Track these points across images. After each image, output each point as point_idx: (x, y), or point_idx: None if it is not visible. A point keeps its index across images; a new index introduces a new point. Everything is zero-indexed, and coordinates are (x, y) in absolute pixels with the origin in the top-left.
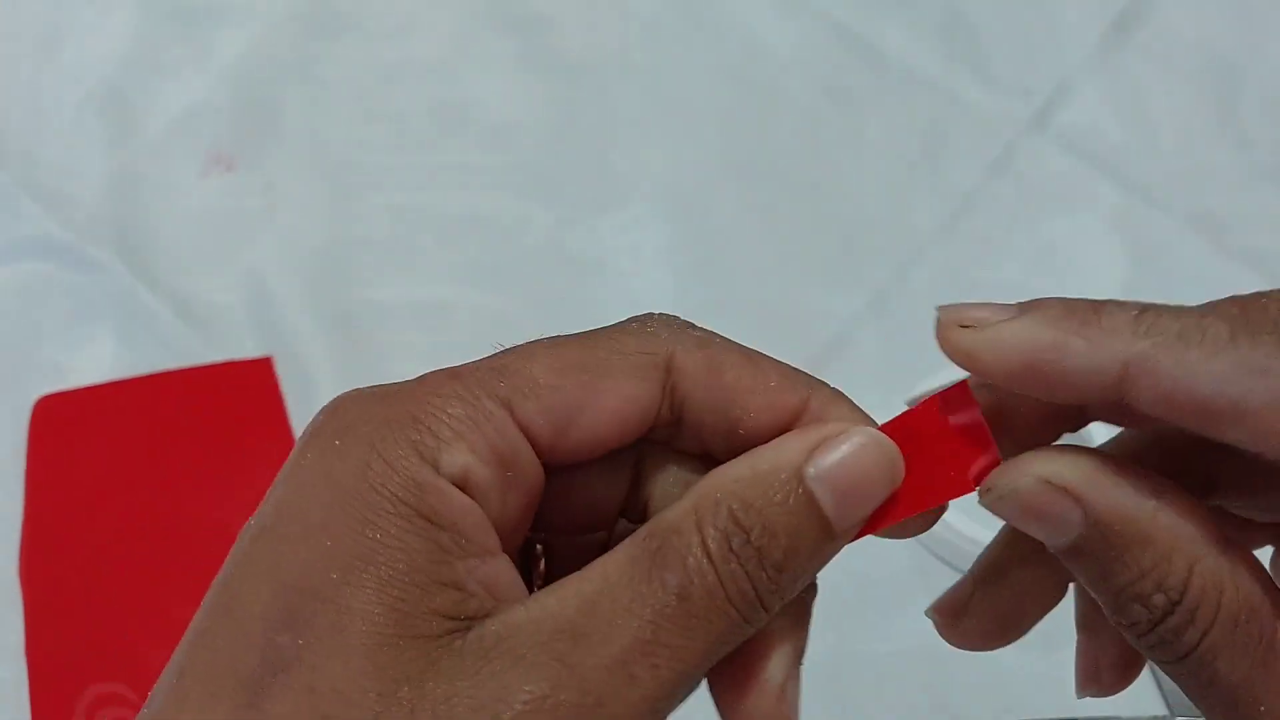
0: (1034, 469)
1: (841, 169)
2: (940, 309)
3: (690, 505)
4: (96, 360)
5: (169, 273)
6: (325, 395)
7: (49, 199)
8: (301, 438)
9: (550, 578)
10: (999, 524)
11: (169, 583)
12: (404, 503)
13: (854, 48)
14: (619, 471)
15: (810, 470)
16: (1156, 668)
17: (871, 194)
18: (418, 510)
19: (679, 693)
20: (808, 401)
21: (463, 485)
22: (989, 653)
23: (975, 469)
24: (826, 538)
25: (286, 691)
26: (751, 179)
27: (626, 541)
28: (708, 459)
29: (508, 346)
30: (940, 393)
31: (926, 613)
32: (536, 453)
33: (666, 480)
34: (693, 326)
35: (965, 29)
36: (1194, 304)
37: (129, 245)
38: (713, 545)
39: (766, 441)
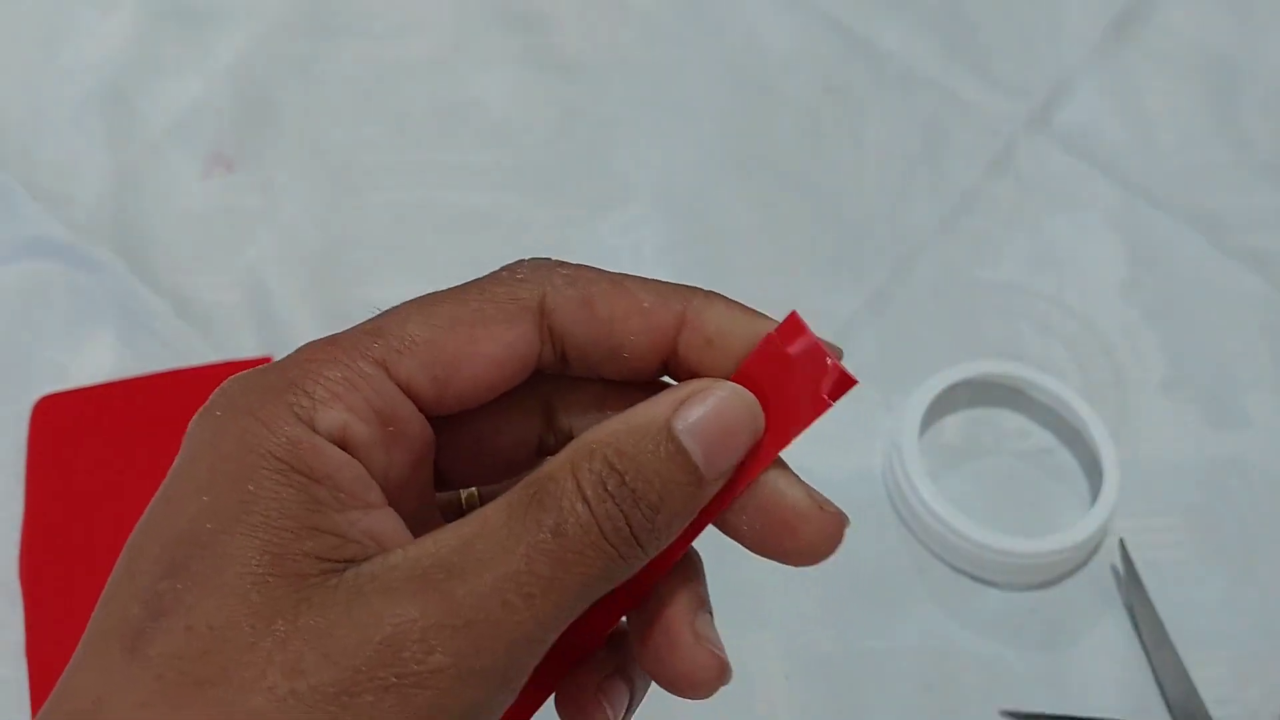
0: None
1: (841, 168)
2: None
3: (566, 456)
4: (97, 360)
5: (169, 272)
6: None
7: (49, 198)
8: (196, 413)
9: None
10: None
11: None
12: (278, 458)
13: (854, 47)
14: (527, 411)
15: (677, 424)
16: (1159, 672)
17: (871, 193)
18: (292, 465)
19: (555, 624)
20: (684, 313)
21: (341, 443)
22: (989, 651)
23: (825, 387)
24: (697, 483)
25: (165, 633)
26: (751, 178)
27: (507, 492)
28: (609, 385)
29: (386, 308)
30: (776, 328)
31: None
32: (421, 408)
33: (579, 409)
34: (562, 265)
35: (965, 28)
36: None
37: (129, 245)
38: (588, 488)
39: (650, 363)
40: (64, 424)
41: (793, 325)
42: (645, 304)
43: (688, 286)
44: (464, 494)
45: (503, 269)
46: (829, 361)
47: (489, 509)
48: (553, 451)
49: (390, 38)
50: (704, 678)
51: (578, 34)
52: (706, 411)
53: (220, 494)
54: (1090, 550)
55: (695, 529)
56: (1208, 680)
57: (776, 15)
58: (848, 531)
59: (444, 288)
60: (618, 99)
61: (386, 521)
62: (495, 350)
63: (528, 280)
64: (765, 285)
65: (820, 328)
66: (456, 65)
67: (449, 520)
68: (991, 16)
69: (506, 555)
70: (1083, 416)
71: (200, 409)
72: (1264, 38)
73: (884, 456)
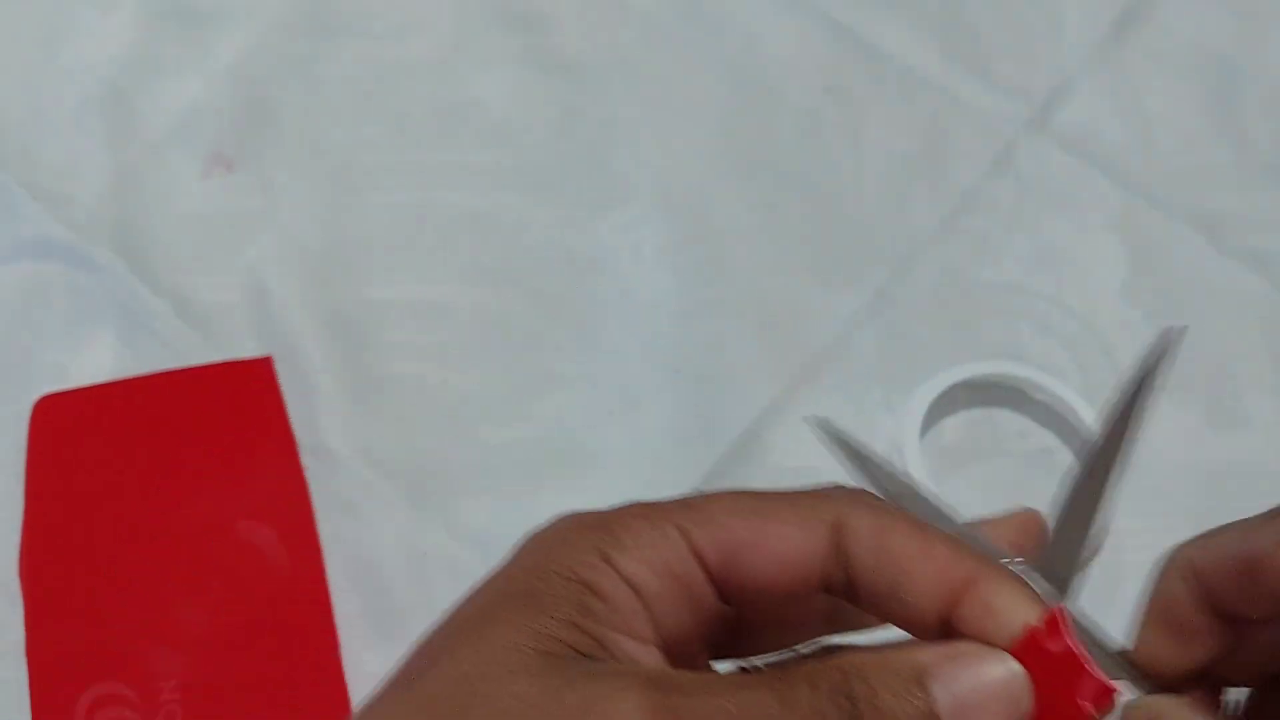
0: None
1: (841, 168)
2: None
3: (813, 665)
4: (96, 360)
5: (169, 272)
6: (325, 394)
7: (49, 199)
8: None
9: None
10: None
11: (170, 582)
12: (571, 574)
13: (854, 47)
14: (807, 618)
15: (935, 678)
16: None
17: (871, 193)
18: (580, 580)
19: None
20: (975, 577)
21: (634, 588)
22: None
23: (1085, 695)
24: None
25: (436, 675)
26: (751, 178)
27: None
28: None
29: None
30: (1040, 619)
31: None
32: (708, 577)
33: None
34: (872, 496)
35: (965, 28)
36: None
37: (129, 245)
38: (822, 688)
39: (929, 615)
40: (64, 424)
41: (1053, 623)
42: (939, 554)
43: (986, 557)
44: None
45: (817, 486)
46: (1089, 671)
47: (735, 675)
48: None
49: (390, 38)
50: None
51: (578, 34)
52: (977, 677)
53: (510, 585)
54: (1091, 551)
55: None
56: None
57: (777, 16)
58: None
59: (446, 291)
60: (618, 99)
61: (650, 654)
62: (781, 548)
63: (832, 498)
64: (765, 285)
65: (821, 329)
66: (456, 65)
67: None
68: (991, 17)
69: (732, 697)
70: (1083, 417)
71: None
72: (1264, 38)
73: (883, 456)
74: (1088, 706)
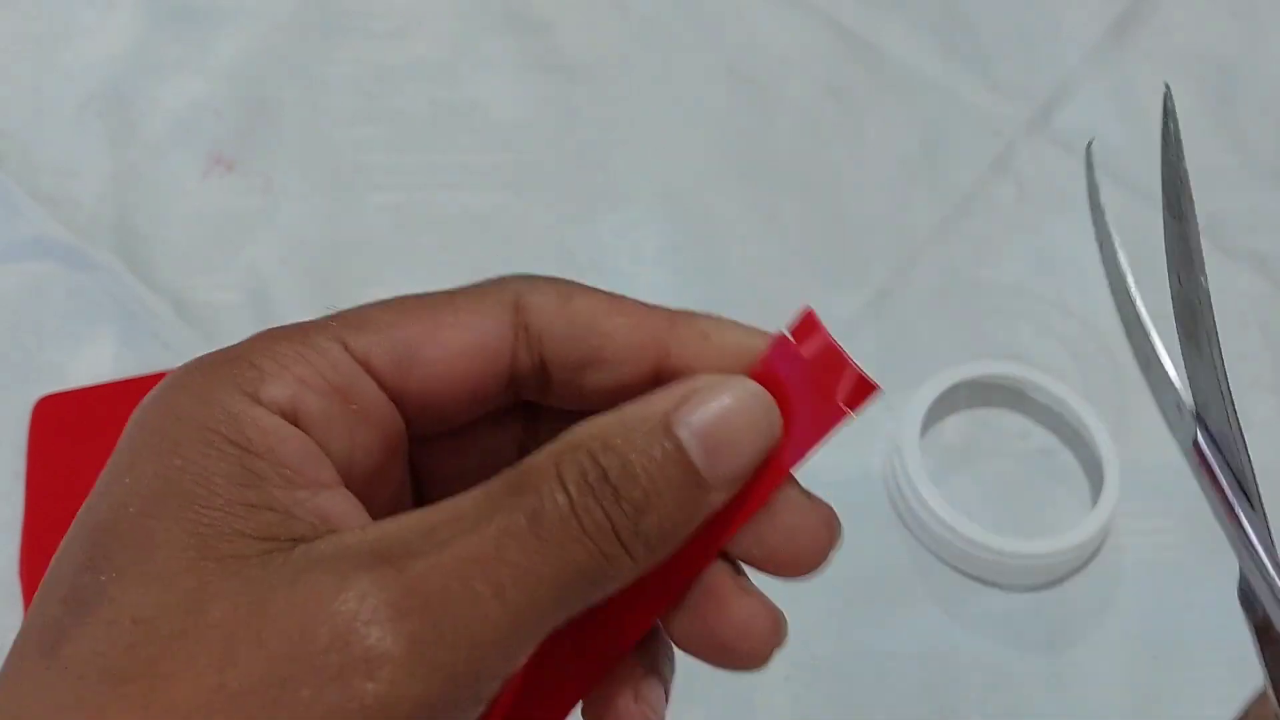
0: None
1: (841, 169)
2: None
3: (549, 448)
4: (97, 360)
5: (169, 272)
6: None
7: (49, 199)
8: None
9: None
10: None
11: None
12: (210, 429)
13: (854, 48)
14: (501, 435)
15: (679, 419)
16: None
17: (871, 194)
18: (227, 437)
19: (529, 626)
20: (674, 317)
21: (291, 417)
22: (990, 652)
23: (842, 394)
24: (697, 486)
25: (85, 631)
26: (751, 179)
27: (483, 483)
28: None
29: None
30: (790, 326)
31: None
32: (382, 388)
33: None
34: (546, 276)
35: (965, 29)
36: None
37: (129, 245)
38: (570, 479)
39: (639, 369)
40: (64, 424)
41: (807, 324)
42: (631, 308)
43: (678, 310)
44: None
45: (486, 280)
46: (848, 365)
47: (461, 496)
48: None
49: (390, 38)
50: (761, 632)
51: (578, 35)
52: (714, 409)
53: (141, 473)
54: (1091, 551)
55: (710, 541)
56: (1207, 680)
57: (776, 17)
58: (847, 533)
59: (440, 289)
60: (618, 99)
61: (340, 502)
62: (462, 336)
63: (506, 281)
64: (765, 286)
65: None
66: (456, 66)
67: None
68: (992, 18)
69: (475, 536)
70: (1083, 417)
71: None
72: (1264, 40)
73: (884, 457)
74: (844, 408)
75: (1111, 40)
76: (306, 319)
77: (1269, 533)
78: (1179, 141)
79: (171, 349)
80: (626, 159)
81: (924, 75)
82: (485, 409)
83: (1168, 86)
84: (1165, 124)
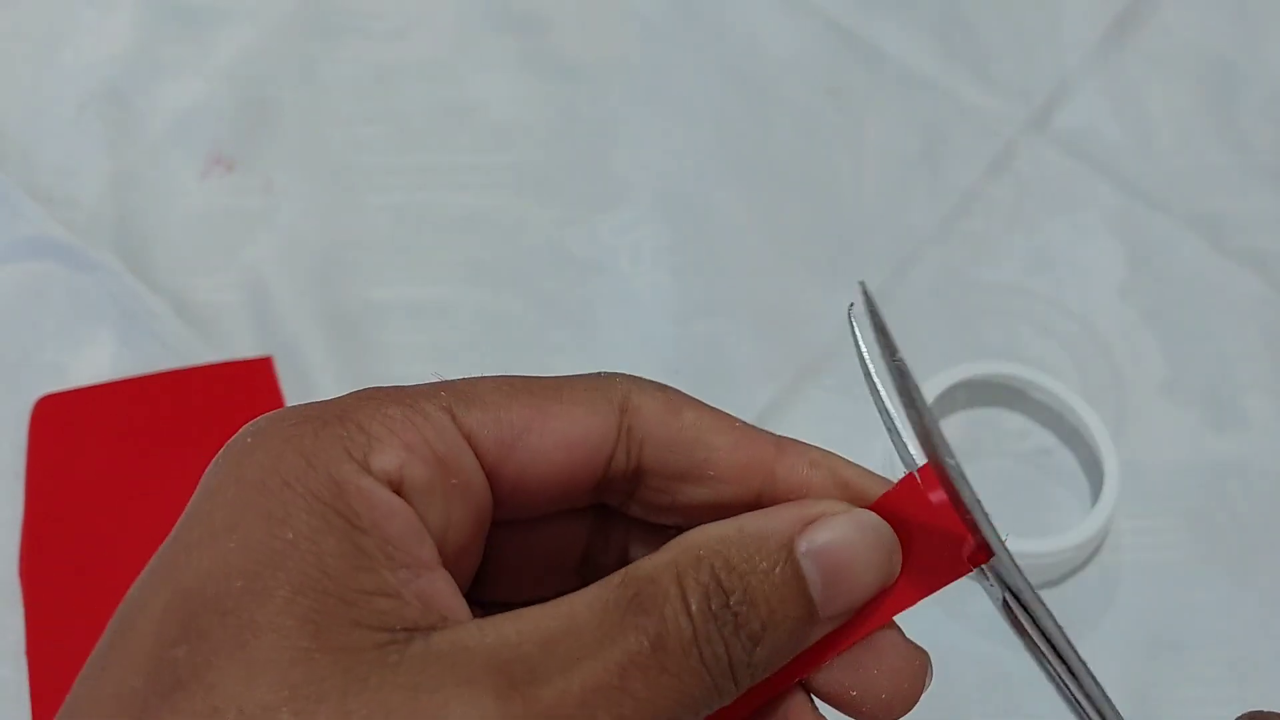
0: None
1: (840, 169)
2: None
3: (670, 558)
4: (96, 360)
5: (169, 273)
6: (325, 394)
7: (49, 199)
8: (224, 446)
9: None
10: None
11: None
12: (320, 500)
13: (853, 48)
14: (574, 525)
15: (802, 544)
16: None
17: (870, 194)
18: (336, 510)
19: None
20: (781, 444)
21: (397, 486)
22: (989, 651)
23: (967, 548)
24: (808, 620)
25: (181, 715)
26: (751, 179)
27: (595, 585)
28: (666, 531)
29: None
30: (919, 470)
31: None
32: (482, 466)
33: (626, 543)
34: (652, 382)
35: (964, 29)
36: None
37: (129, 245)
38: (693, 600)
39: (741, 489)
40: (64, 424)
41: (939, 471)
42: (739, 428)
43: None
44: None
45: (594, 373)
46: (979, 522)
47: (576, 602)
48: (593, 576)
49: (390, 39)
50: (916, 675)
51: (578, 35)
52: (837, 537)
53: (246, 541)
54: (1091, 551)
55: (796, 670)
56: (1208, 680)
57: (776, 17)
58: None
59: (446, 291)
60: (617, 100)
61: (442, 586)
62: (567, 427)
63: (616, 379)
64: (765, 286)
65: (820, 329)
66: (456, 66)
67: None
68: (991, 18)
69: (599, 663)
70: (1082, 417)
71: (231, 439)
72: (1263, 40)
73: (884, 457)
74: (968, 564)
75: (1111, 40)
76: (343, 329)
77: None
78: (886, 333)
79: (171, 349)
80: (626, 159)
81: (923, 75)
82: (571, 503)
83: (862, 285)
84: (872, 315)
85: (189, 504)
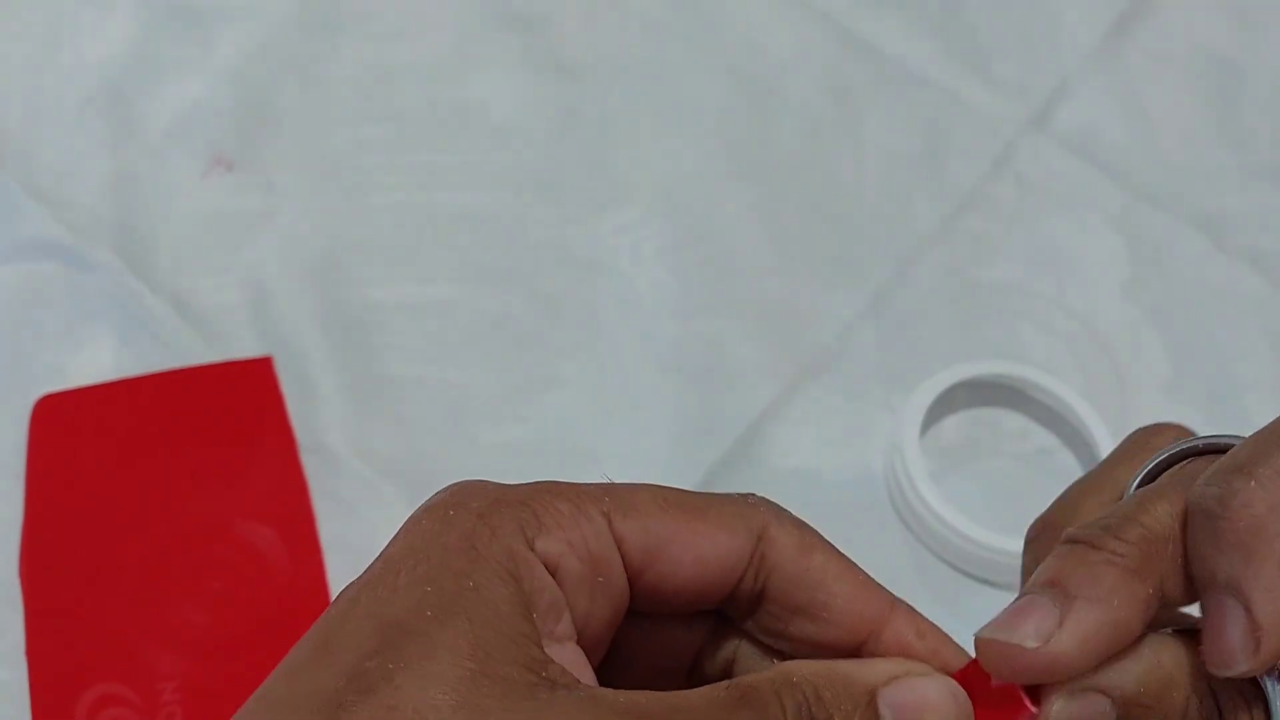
0: (1059, 699)
1: (841, 169)
2: (984, 641)
3: (770, 676)
4: (96, 360)
5: (169, 273)
6: (325, 394)
7: (49, 199)
8: (420, 508)
9: None
10: (1001, 525)
11: (170, 582)
12: (498, 562)
13: (854, 48)
14: (693, 629)
15: (884, 696)
16: None
17: (871, 193)
18: (508, 570)
19: None
20: (895, 606)
21: (553, 571)
22: None
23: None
24: None
25: (367, 709)
26: (751, 179)
27: (706, 686)
28: (772, 655)
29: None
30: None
31: None
32: (626, 569)
33: (734, 657)
34: (792, 515)
35: (965, 28)
36: (1195, 304)
37: (129, 245)
38: (789, 707)
39: (850, 636)
40: (64, 424)
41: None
42: (861, 578)
43: (756, 502)
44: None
45: (740, 494)
46: (1025, 709)
47: (692, 694)
48: (699, 681)
49: (390, 38)
50: None
51: (578, 35)
52: (917, 696)
53: (439, 586)
54: None
55: None
56: None
57: (776, 17)
58: (848, 533)
59: (446, 291)
60: (618, 100)
61: (575, 657)
62: (708, 549)
63: (759, 508)
64: (765, 286)
65: (821, 329)
66: (457, 66)
67: None
68: (992, 17)
69: None
70: (1083, 417)
71: (429, 501)
72: (1264, 39)
73: (884, 457)
74: None
75: (1112, 39)
76: (343, 330)
77: None
78: None
79: (171, 349)
80: (626, 159)
81: (924, 75)
82: (696, 610)
83: None
84: None
85: (388, 552)
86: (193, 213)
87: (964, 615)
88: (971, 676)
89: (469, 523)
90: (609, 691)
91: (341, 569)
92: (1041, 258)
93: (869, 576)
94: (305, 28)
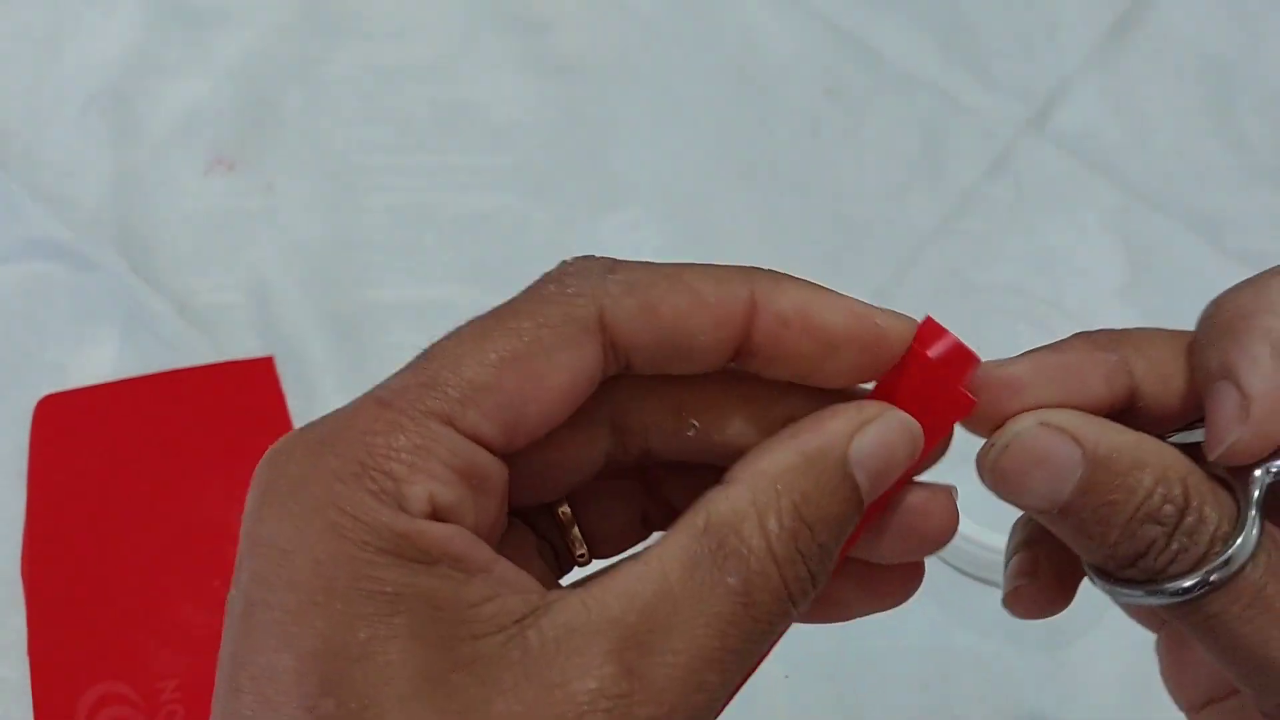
0: (1030, 418)
1: (840, 169)
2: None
3: (747, 498)
4: (98, 360)
5: (171, 273)
6: (326, 394)
7: (51, 199)
8: (252, 497)
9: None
10: (1000, 525)
11: (171, 582)
12: (394, 554)
13: (853, 48)
14: (594, 423)
15: (853, 455)
16: None
17: (870, 194)
18: (410, 556)
19: (739, 686)
20: (751, 298)
21: (435, 514)
22: (989, 651)
23: (964, 384)
24: (858, 513)
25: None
26: (751, 179)
27: (680, 532)
28: (678, 380)
29: (431, 345)
30: (915, 337)
31: (1004, 600)
32: (492, 452)
33: (654, 414)
34: (612, 267)
35: (964, 29)
36: (1193, 305)
37: (131, 245)
38: (778, 546)
39: (721, 356)
40: (66, 424)
41: (930, 330)
42: (710, 298)
43: (750, 269)
44: (560, 511)
45: (549, 279)
46: (972, 355)
47: (664, 557)
48: (623, 458)
49: (391, 40)
50: (945, 508)
51: (578, 36)
52: (879, 440)
53: (351, 600)
54: None
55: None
56: None
57: (775, 18)
58: None
59: (447, 291)
60: (618, 101)
61: (509, 572)
62: (561, 380)
63: (581, 294)
64: None
65: None
66: (457, 67)
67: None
68: (990, 19)
69: (699, 631)
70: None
71: (261, 487)
72: (1262, 40)
73: None
74: (971, 397)
75: (1111, 41)
76: (343, 329)
77: None
78: None
79: (173, 349)
80: (626, 158)
81: (923, 76)
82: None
83: None
84: None
85: (254, 567)
86: (194, 213)
87: (963, 615)
88: (904, 372)
89: (328, 518)
90: (579, 609)
91: None
92: (1039, 259)
93: (718, 284)
94: (306, 29)
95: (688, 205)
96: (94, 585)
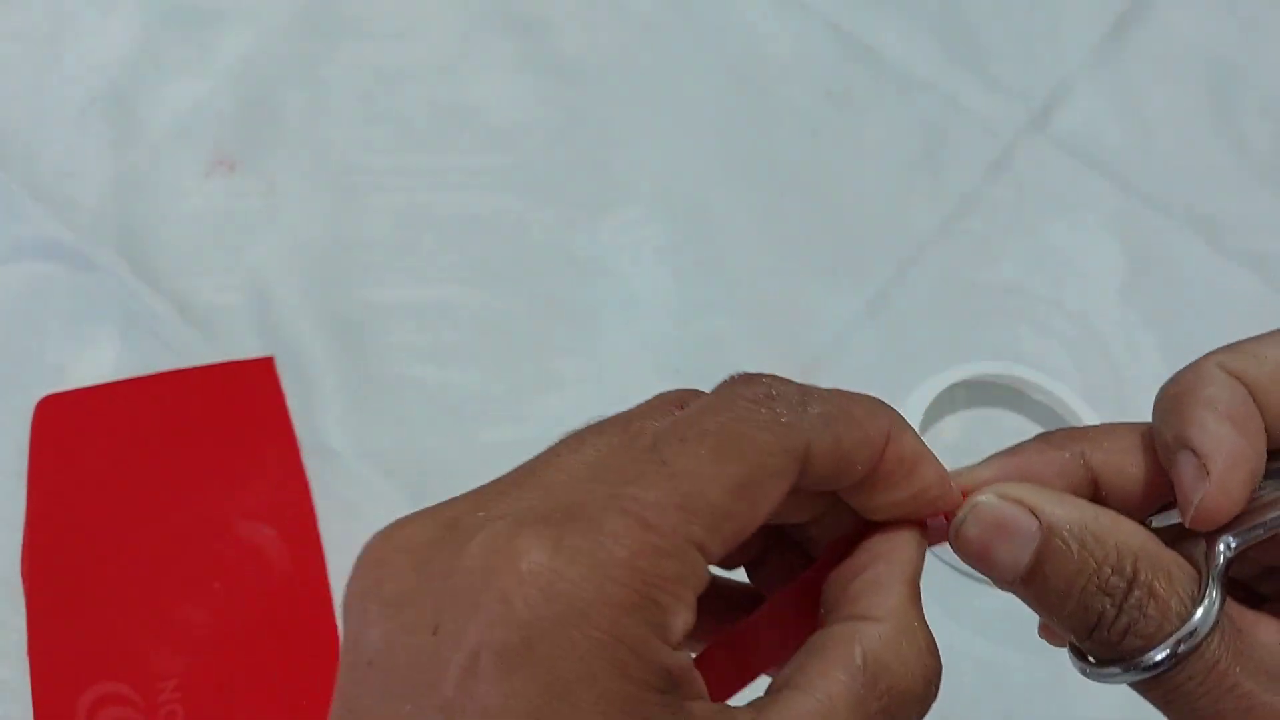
0: (989, 491)
1: (841, 170)
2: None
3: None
4: (98, 360)
5: (171, 273)
6: (327, 395)
7: (51, 200)
8: (518, 606)
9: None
10: None
11: (171, 582)
12: (663, 691)
13: (853, 50)
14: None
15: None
16: None
17: (870, 195)
18: (673, 693)
19: None
20: (889, 432)
21: (680, 643)
22: (989, 652)
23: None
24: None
25: None
26: (751, 180)
27: (842, 668)
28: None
29: (657, 435)
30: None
31: (1040, 631)
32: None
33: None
34: (807, 395)
35: (964, 30)
36: (1193, 305)
37: (131, 246)
38: (864, 661)
39: (855, 479)
40: (66, 424)
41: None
42: (872, 433)
43: (881, 403)
44: None
45: (758, 400)
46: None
47: (835, 695)
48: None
49: (392, 41)
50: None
51: (578, 37)
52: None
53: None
54: None
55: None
56: None
57: (776, 19)
58: None
59: (447, 292)
60: (618, 102)
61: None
62: (771, 506)
63: (794, 426)
64: (765, 288)
65: (820, 330)
66: (457, 68)
67: None
68: (991, 20)
69: None
70: (1081, 418)
71: (526, 609)
72: (1263, 41)
73: None
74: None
75: (1110, 42)
76: (343, 331)
77: None
78: None
79: (173, 349)
80: (626, 159)
81: (923, 77)
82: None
83: None
84: None
85: (519, 689)
86: (194, 213)
87: (963, 616)
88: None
89: (612, 652)
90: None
91: (342, 569)
92: (1040, 259)
93: (869, 412)
94: (306, 29)
95: (688, 205)
96: (94, 585)
